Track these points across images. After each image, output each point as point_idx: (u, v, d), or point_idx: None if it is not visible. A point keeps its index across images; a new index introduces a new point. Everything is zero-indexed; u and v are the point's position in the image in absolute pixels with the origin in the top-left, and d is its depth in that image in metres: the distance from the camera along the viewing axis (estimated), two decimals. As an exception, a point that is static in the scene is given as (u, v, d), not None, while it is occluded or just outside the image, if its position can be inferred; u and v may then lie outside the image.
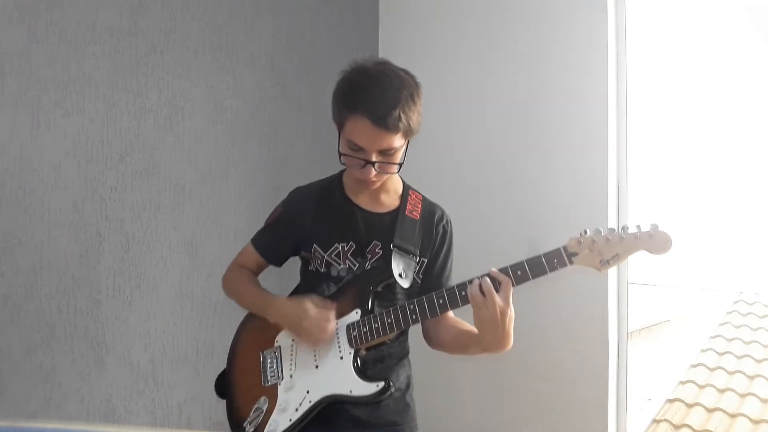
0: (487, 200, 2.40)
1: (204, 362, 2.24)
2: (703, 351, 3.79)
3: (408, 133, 1.40)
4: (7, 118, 1.83)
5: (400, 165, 1.44)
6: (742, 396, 3.19)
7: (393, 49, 2.80)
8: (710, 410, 3.06)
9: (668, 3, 3.14)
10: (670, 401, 3.24)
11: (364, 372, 1.42)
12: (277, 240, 1.59)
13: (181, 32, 2.20)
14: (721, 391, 3.26)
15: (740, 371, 3.48)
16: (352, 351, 1.42)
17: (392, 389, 1.39)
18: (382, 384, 1.39)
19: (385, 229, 1.50)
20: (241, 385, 1.54)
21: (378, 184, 1.47)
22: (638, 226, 1.29)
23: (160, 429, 2.10)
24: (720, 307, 4.35)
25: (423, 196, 1.59)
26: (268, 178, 2.42)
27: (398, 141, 1.38)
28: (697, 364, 3.61)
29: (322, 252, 1.50)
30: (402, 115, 1.35)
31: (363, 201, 1.53)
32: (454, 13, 2.57)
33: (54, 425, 0.69)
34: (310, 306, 1.41)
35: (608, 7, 2.15)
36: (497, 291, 1.32)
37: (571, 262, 1.32)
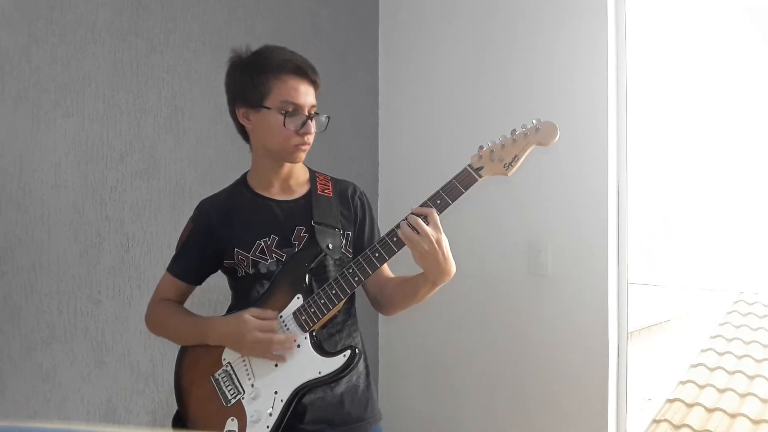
0: (487, 200, 2.39)
1: (204, 362, 2.24)
2: (703, 351, 3.79)
3: (317, 92, 1.48)
4: (7, 118, 1.83)
5: (328, 119, 1.49)
6: (742, 396, 3.18)
7: (393, 49, 2.81)
8: (710, 410, 3.06)
9: (668, 3, 3.14)
10: (670, 401, 3.24)
11: (325, 350, 1.41)
12: (194, 257, 1.53)
13: (181, 32, 2.20)
14: (721, 391, 3.26)
15: (740, 371, 3.48)
16: (307, 335, 1.40)
17: (358, 354, 1.38)
18: (348, 353, 1.38)
19: (303, 212, 1.49)
20: (202, 418, 1.46)
21: (307, 151, 1.48)
22: (524, 125, 1.39)
23: (160, 429, 2.10)
24: (720, 307, 4.34)
25: (330, 176, 1.60)
26: (268, 178, 2.42)
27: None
28: (697, 364, 3.61)
29: (245, 253, 1.46)
30: (315, 68, 1.46)
31: (274, 193, 1.52)
32: (454, 13, 2.57)
33: (54, 425, 0.68)
34: (249, 317, 1.37)
35: (608, 7, 2.15)
36: (426, 225, 1.33)
37: (480, 176, 1.38)
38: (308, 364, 1.38)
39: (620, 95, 2.18)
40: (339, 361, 1.37)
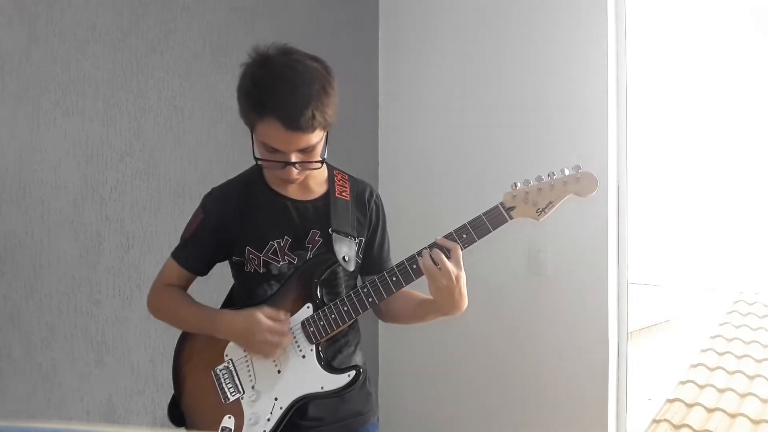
0: (487, 200, 2.39)
1: (204, 362, 2.24)
2: (703, 351, 3.79)
3: (325, 127, 1.33)
4: (7, 118, 1.83)
5: (323, 161, 1.38)
6: (742, 396, 3.18)
7: (393, 49, 2.81)
8: (710, 410, 3.06)
9: (668, 3, 3.14)
10: (670, 401, 3.24)
11: (330, 365, 1.40)
12: (202, 249, 1.47)
13: (181, 32, 2.20)
14: (721, 391, 3.26)
15: (740, 371, 3.48)
16: (313, 347, 1.38)
17: (362, 374, 1.38)
18: (353, 373, 1.37)
19: (319, 216, 1.45)
20: (198, 410, 1.44)
21: (302, 178, 1.41)
22: (563, 170, 1.34)
23: (160, 429, 2.10)
24: (720, 307, 4.35)
25: (348, 174, 1.56)
26: (268, 178, 2.42)
27: (316, 137, 1.31)
28: (697, 364, 3.61)
29: (257, 253, 1.42)
30: (315, 113, 1.27)
31: (291, 191, 1.46)
32: (454, 13, 2.57)
33: (54, 425, 0.68)
34: (262, 317, 1.34)
35: (608, 7, 2.15)
36: (448, 258, 1.31)
37: (510, 217, 1.35)
38: (311, 377, 1.38)
39: (620, 95, 2.18)
40: (343, 379, 1.37)
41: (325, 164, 1.48)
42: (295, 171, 1.34)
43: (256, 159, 1.36)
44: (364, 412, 1.52)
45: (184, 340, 1.52)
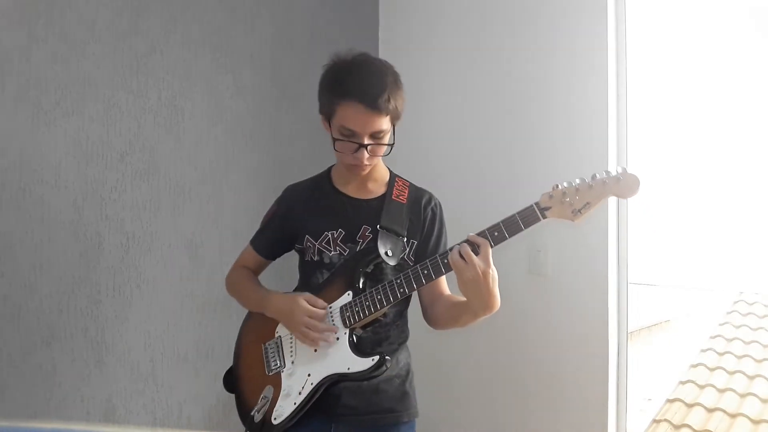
0: (487, 199, 2.39)
1: (204, 362, 2.24)
2: (703, 351, 3.78)
3: (395, 117, 1.49)
4: (7, 118, 1.83)
5: (391, 146, 1.51)
6: (742, 396, 3.18)
7: (393, 49, 2.80)
8: (710, 410, 3.06)
9: (668, 3, 3.14)
10: (670, 401, 3.24)
11: (360, 349, 1.48)
12: (272, 236, 1.67)
13: (181, 32, 2.20)
14: (721, 391, 3.26)
15: (740, 371, 3.48)
16: (347, 331, 1.48)
17: (388, 363, 1.44)
18: (377, 358, 1.44)
19: (372, 214, 1.56)
20: (247, 378, 1.60)
21: (368, 169, 1.54)
22: (606, 172, 1.33)
23: (160, 429, 2.11)
24: (720, 307, 4.34)
25: (410, 182, 1.66)
26: (268, 178, 2.42)
27: (387, 124, 1.47)
28: (697, 364, 3.61)
29: (313, 241, 1.56)
30: (390, 97, 1.44)
31: (350, 190, 1.61)
32: (455, 13, 2.57)
33: (54, 425, 0.69)
34: (302, 301, 1.47)
35: (608, 7, 2.15)
36: (477, 254, 1.35)
37: (544, 217, 1.36)
38: (341, 358, 1.47)
39: (620, 95, 2.18)
40: (367, 363, 1.45)
41: (388, 170, 1.66)
42: (366, 154, 1.47)
43: (334, 140, 1.49)
44: (398, 410, 1.57)
45: (248, 318, 1.69)
